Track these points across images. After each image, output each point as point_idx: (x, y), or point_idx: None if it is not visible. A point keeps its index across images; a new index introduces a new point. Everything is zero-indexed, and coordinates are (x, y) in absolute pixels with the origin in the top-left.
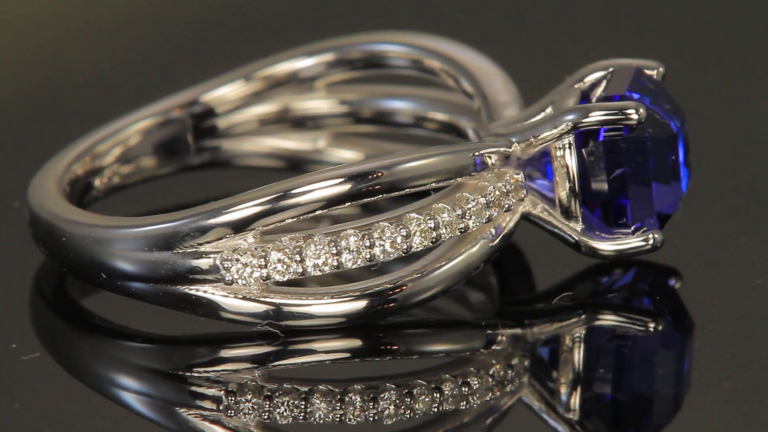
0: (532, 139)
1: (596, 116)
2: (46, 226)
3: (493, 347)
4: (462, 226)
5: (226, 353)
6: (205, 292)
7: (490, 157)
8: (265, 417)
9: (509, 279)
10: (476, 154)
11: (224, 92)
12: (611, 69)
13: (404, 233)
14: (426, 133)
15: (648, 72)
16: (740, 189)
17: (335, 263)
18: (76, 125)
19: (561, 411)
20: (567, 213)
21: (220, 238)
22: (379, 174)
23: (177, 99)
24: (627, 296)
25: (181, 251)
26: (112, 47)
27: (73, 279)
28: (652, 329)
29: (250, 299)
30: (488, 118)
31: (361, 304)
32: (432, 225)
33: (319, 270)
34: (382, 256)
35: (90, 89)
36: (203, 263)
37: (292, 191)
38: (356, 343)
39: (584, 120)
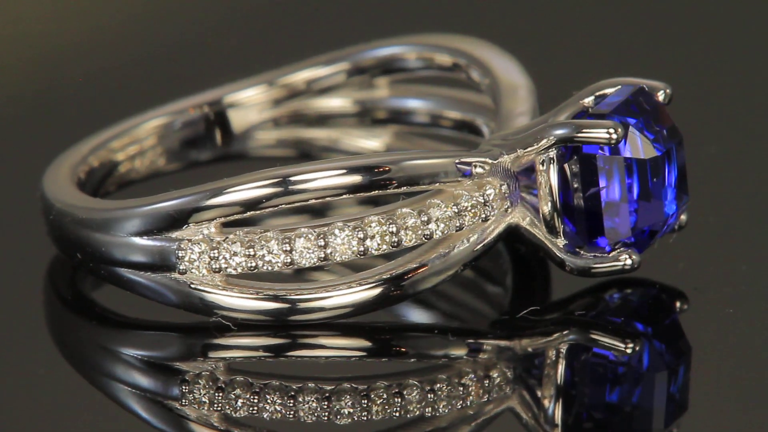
0: (519, 152)
1: (573, 133)
2: (44, 203)
3: (475, 356)
4: (427, 232)
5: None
6: (207, 290)
7: (475, 166)
8: (218, 408)
9: (522, 287)
10: (459, 161)
11: (246, 96)
12: (618, 87)
13: (361, 236)
14: (449, 133)
15: (658, 94)
16: (753, 215)
17: (288, 260)
18: (100, 120)
19: (544, 425)
20: (550, 228)
21: (179, 228)
22: (365, 172)
23: (199, 98)
24: (623, 315)
25: (146, 237)
26: (125, 50)
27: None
28: (629, 350)
29: (261, 298)
30: (498, 127)
31: (375, 291)
32: (393, 229)
33: (271, 266)
34: (336, 257)
35: (111, 87)
36: (159, 250)
37: (294, 178)
38: (322, 341)
39: (562, 136)
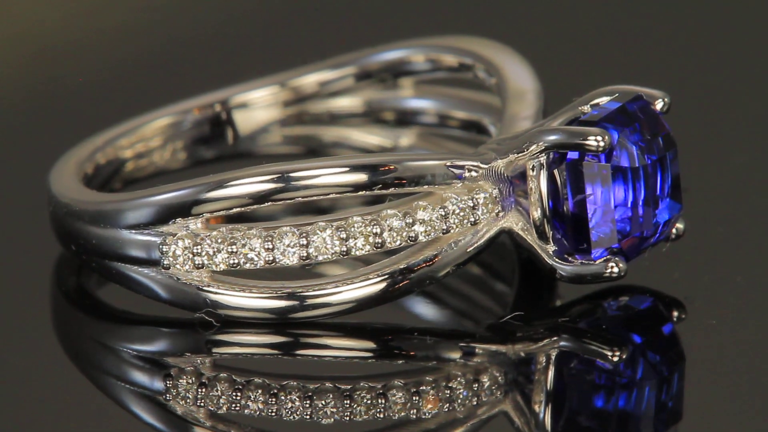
0: (512, 156)
1: (561, 139)
2: (48, 196)
3: (467, 360)
4: (412, 234)
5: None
6: (213, 290)
7: (468, 170)
8: (200, 404)
9: (525, 290)
10: (451, 164)
11: (256, 96)
12: (615, 94)
13: (343, 236)
14: (459, 133)
15: (656, 102)
16: (752, 225)
17: (270, 258)
18: (110, 117)
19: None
20: (540, 233)
21: (166, 223)
22: (364, 171)
23: (210, 98)
24: (616, 322)
25: (134, 231)
26: (137, 48)
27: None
28: (616, 358)
29: (265, 296)
30: (501, 130)
31: (380, 286)
32: (377, 230)
33: (253, 263)
34: (319, 256)
35: (122, 85)
36: (145, 245)
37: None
38: (319, 341)
39: (552, 141)
